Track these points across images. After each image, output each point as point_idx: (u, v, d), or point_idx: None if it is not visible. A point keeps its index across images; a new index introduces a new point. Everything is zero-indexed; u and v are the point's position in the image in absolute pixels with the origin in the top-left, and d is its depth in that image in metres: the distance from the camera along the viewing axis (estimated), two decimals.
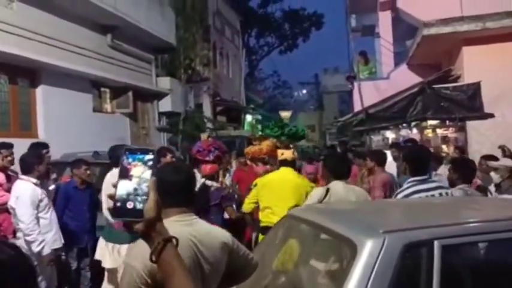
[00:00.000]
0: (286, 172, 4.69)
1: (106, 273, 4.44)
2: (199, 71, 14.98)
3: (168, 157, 5.20)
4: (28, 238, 4.14)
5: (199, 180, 4.47)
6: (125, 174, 1.21)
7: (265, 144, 6.87)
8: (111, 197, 1.19)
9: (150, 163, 1.22)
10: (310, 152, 10.56)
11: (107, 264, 4.35)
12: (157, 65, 12.96)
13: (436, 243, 2.00)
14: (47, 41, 8.41)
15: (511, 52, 7.96)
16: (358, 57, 12.34)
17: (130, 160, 1.22)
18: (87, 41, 9.63)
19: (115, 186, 1.20)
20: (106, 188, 4.42)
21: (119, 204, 1.18)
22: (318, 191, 3.65)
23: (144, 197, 1.17)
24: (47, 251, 4.19)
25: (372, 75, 12.17)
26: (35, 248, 4.15)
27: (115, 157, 4.47)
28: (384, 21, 11.93)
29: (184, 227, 1.97)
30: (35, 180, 4.28)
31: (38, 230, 4.19)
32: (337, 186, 3.55)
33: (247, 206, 4.93)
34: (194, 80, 14.62)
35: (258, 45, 33.44)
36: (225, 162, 7.82)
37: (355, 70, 12.41)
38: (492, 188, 5.92)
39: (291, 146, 7.63)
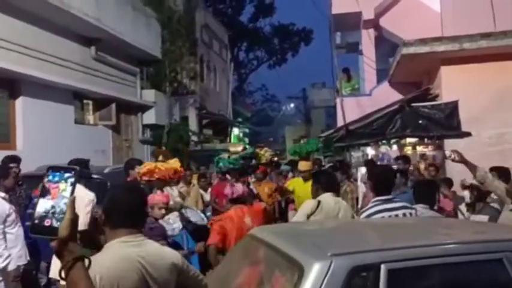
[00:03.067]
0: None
1: None
2: (186, 84, 15.01)
3: (137, 169, 5.10)
4: None
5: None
6: (45, 193, 1.24)
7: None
8: (31, 214, 1.22)
9: (71, 181, 1.25)
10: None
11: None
12: (142, 77, 12.98)
13: (383, 267, 2.03)
14: (29, 52, 8.38)
15: (488, 72, 8.11)
16: (341, 74, 12.48)
17: (51, 178, 1.25)
18: (70, 53, 9.62)
19: (35, 204, 1.23)
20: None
21: (36, 221, 1.21)
22: (309, 203, 3.85)
23: (62, 215, 1.20)
24: (12, 266, 4.13)
25: (355, 92, 12.31)
26: (0, 264, 4.08)
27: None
28: (367, 39, 12.12)
29: (131, 248, 1.98)
30: (3, 195, 4.23)
31: (4, 244, 4.13)
32: (327, 198, 3.82)
33: None
34: (180, 93, 14.64)
35: (248, 59, 33.73)
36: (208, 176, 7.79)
37: (338, 86, 12.55)
38: (463, 207, 5.97)
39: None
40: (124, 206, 2.03)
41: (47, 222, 1.20)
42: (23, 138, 8.25)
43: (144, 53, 12.13)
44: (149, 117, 12.77)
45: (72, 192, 1.23)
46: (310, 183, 5.85)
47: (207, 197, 8.28)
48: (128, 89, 12.13)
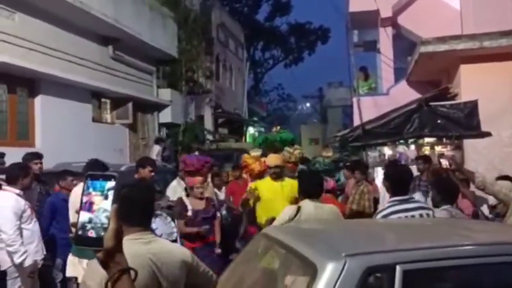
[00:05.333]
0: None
1: None
2: (202, 83, 15.07)
3: (147, 169, 5.08)
4: (10, 249, 4.15)
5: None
6: (85, 204, 1.20)
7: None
8: (73, 225, 1.20)
9: (111, 191, 1.21)
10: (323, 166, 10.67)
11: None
12: (159, 77, 13.07)
13: (398, 268, 1.98)
14: (48, 51, 8.52)
15: (508, 71, 7.93)
16: (358, 72, 12.36)
17: (91, 189, 1.21)
18: (88, 52, 9.75)
19: (77, 213, 1.21)
20: (74, 202, 4.35)
21: (80, 232, 1.19)
22: (288, 210, 3.68)
23: (105, 225, 1.18)
24: (29, 262, 4.21)
25: (372, 91, 12.18)
26: (17, 259, 4.16)
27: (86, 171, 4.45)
28: (385, 37, 11.96)
29: (142, 245, 2.01)
30: (18, 191, 4.30)
31: (21, 241, 4.20)
32: (308, 205, 3.56)
33: None
34: (196, 92, 14.71)
35: (264, 58, 33.68)
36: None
37: (354, 85, 12.44)
38: (485, 209, 5.83)
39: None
40: (138, 205, 2.05)
41: (90, 233, 1.18)
42: (41, 136, 8.39)
43: (161, 52, 12.22)
44: (165, 116, 12.86)
45: (114, 201, 1.20)
46: (284, 183, 5.25)
47: (221, 195, 8.30)
48: (144, 88, 12.24)
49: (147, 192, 2.16)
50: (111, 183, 1.21)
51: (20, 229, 4.20)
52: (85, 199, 1.20)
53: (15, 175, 4.32)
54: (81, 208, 1.20)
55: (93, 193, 1.20)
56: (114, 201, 1.20)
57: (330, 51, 35.93)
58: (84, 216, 1.19)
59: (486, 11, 8.58)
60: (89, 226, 1.18)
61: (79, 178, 5.16)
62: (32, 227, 4.33)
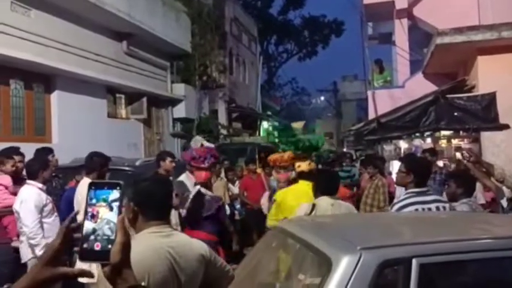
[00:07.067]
0: (302, 185, 4.64)
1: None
2: (215, 77, 15.07)
3: (168, 161, 5.17)
4: (32, 242, 4.24)
5: (195, 188, 4.47)
6: (89, 215, 1.13)
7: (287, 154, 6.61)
8: (78, 238, 1.11)
9: (115, 202, 1.13)
10: (325, 157, 12.21)
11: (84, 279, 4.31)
12: (172, 72, 13.11)
13: (414, 261, 1.96)
14: (63, 47, 8.61)
15: None
16: (374, 65, 12.23)
17: (94, 201, 1.14)
18: (103, 48, 9.82)
19: (80, 226, 1.13)
20: (81, 198, 4.31)
21: (85, 245, 1.11)
22: (304, 207, 3.68)
23: (111, 237, 1.10)
24: None
25: (387, 84, 12.05)
26: (39, 252, 4.23)
27: (88, 164, 4.49)
28: (400, 29, 11.79)
29: (162, 239, 2.02)
30: (40, 185, 4.39)
31: (42, 234, 4.28)
32: (323, 202, 3.57)
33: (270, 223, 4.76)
34: (209, 87, 14.72)
35: (277, 52, 33.53)
36: (215, 171, 7.64)
37: (369, 78, 12.32)
38: (504, 202, 5.73)
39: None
40: (157, 198, 2.06)
41: (96, 246, 1.10)
42: (58, 132, 8.50)
43: (174, 47, 12.26)
44: (179, 110, 12.91)
45: (120, 211, 1.12)
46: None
47: (235, 190, 8.32)
48: (158, 83, 12.30)
49: (164, 186, 2.16)
50: (116, 193, 1.14)
51: (41, 223, 4.28)
52: (89, 209, 1.13)
53: (36, 169, 4.42)
54: (84, 218, 1.13)
55: (98, 203, 1.13)
56: (120, 212, 1.12)
57: (344, 44, 35.64)
58: (88, 226, 1.12)
59: (505, 0, 8.39)
60: (92, 237, 1.11)
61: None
62: (52, 221, 4.41)
